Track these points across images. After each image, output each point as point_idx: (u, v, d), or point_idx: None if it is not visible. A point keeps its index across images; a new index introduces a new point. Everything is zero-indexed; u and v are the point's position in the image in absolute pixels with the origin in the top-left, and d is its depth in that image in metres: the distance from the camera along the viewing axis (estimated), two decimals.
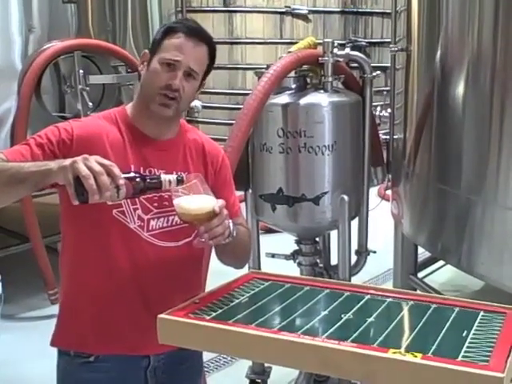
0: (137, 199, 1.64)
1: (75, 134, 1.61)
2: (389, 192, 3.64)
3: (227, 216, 1.58)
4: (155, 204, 1.67)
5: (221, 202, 1.56)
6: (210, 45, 1.69)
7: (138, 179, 1.49)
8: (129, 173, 1.50)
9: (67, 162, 1.41)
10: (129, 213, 1.64)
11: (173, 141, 1.74)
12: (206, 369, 3.29)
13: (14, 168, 1.46)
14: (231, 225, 1.61)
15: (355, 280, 3.01)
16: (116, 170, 1.42)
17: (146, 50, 1.70)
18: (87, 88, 4.01)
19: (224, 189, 1.79)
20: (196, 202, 1.55)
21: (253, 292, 1.71)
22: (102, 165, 1.40)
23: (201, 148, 1.78)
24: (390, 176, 3.56)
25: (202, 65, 1.68)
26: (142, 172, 1.56)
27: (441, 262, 3.95)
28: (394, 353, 1.31)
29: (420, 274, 3.71)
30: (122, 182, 1.42)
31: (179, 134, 1.76)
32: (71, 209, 1.63)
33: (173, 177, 1.52)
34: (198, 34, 1.66)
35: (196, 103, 4.78)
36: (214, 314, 1.54)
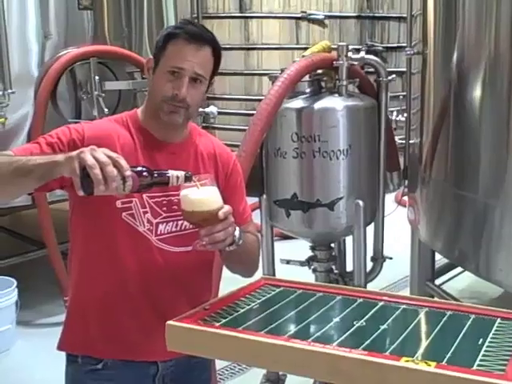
0: (146, 203, 1.63)
1: (86, 135, 1.61)
2: (405, 198, 3.60)
3: (233, 223, 1.55)
4: (164, 208, 1.65)
5: (227, 207, 1.54)
6: (214, 45, 1.67)
7: (144, 173, 1.46)
8: (136, 167, 1.48)
9: (74, 152, 1.40)
10: (138, 216, 1.63)
11: (183, 144, 1.72)
12: (220, 376, 3.27)
13: (22, 160, 1.45)
14: (237, 232, 1.58)
15: (371, 287, 2.97)
16: (123, 162, 1.40)
17: (151, 56, 1.69)
18: (103, 94, 4.03)
19: (234, 194, 1.76)
20: (202, 197, 1.52)
21: (264, 298, 1.68)
22: (108, 156, 1.39)
23: (212, 152, 1.76)
24: (406, 182, 3.52)
25: (207, 67, 1.65)
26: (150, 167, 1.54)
27: (459, 269, 3.89)
28: (407, 361, 1.28)
29: (438, 281, 3.66)
30: (128, 173, 1.40)
31: (190, 137, 1.74)
32: (80, 210, 1.63)
33: (181, 173, 1.50)
34: (200, 37, 1.64)
35: (212, 109, 4.77)
36: (224, 320, 1.51)
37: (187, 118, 1.69)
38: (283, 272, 2.79)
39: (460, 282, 4.11)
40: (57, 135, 1.60)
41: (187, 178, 1.51)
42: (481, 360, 1.30)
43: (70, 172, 1.40)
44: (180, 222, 1.66)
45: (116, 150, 1.59)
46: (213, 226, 1.51)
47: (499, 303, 2.82)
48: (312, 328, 1.50)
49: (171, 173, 1.50)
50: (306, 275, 2.88)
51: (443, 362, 1.28)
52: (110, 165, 1.37)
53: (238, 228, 1.60)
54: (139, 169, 1.47)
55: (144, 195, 1.62)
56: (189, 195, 1.52)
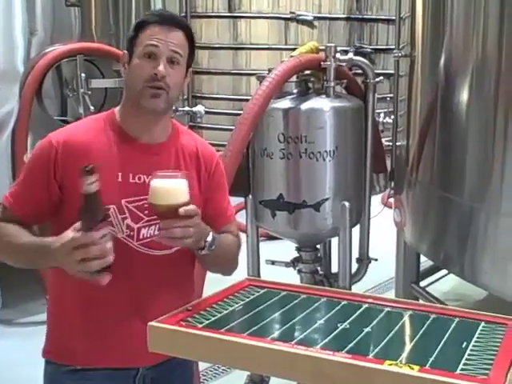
0: (125, 208, 1.59)
1: (56, 145, 1.58)
2: (391, 200, 3.60)
3: (199, 225, 1.52)
4: (146, 212, 1.61)
5: (191, 206, 1.50)
6: (186, 30, 1.63)
7: (90, 220, 1.44)
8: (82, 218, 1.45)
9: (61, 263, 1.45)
10: (116, 223, 1.59)
11: (164, 145, 1.67)
12: (203, 377, 3.25)
13: (24, 254, 1.57)
14: (210, 238, 1.57)
15: (356, 288, 2.97)
16: (84, 239, 1.40)
17: (125, 51, 1.64)
18: (89, 92, 4.00)
19: (217, 193, 1.74)
20: (163, 187, 1.49)
21: (247, 300, 1.67)
22: (78, 245, 1.40)
23: (194, 151, 1.72)
24: (392, 183, 3.52)
25: (182, 47, 1.61)
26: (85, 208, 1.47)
27: (444, 271, 3.90)
28: (390, 365, 1.27)
29: (423, 283, 3.66)
30: (97, 238, 1.41)
31: (171, 137, 1.70)
32: (58, 220, 1.61)
33: (85, 179, 1.43)
34: (171, 20, 1.61)
35: (199, 108, 4.76)
36: (207, 322, 1.49)
37: (168, 104, 1.63)
38: (268, 273, 2.78)
39: (445, 284, 4.12)
40: (34, 169, 1.61)
41: (86, 172, 1.43)
42: (464, 364, 1.29)
43: None
44: None
45: (91, 161, 1.56)
46: (170, 220, 1.48)
47: (484, 305, 2.83)
48: (296, 330, 1.49)
49: (85, 189, 1.43)
50: (291, 276, 2.87)
51: (427, 366, 1.27)
52: (89, 249, 1.40)
53: (211, 233, 1.58)
54: (86, 218, 1.44)
55: (123, 200, 1.59)
56: (151, 184, 1.50)
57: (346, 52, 2.94)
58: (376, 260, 3.08)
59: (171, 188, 1.50)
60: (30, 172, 1.62)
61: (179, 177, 1.52)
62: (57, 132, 1.65)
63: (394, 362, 1.28)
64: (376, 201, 3.67)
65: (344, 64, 2.85)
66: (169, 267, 1.64)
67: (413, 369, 1.25)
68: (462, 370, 1.27)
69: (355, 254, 3.00)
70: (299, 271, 2.98)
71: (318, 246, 3.03)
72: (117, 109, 1.69)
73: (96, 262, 1.41)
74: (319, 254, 3.01)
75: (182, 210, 1.47)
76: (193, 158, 1.71)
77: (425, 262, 3.70)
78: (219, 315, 1.54)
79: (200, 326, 1.47)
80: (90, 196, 1.43)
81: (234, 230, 1.78)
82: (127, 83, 1.65)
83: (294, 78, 2.80)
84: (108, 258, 1.43)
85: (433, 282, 3.90)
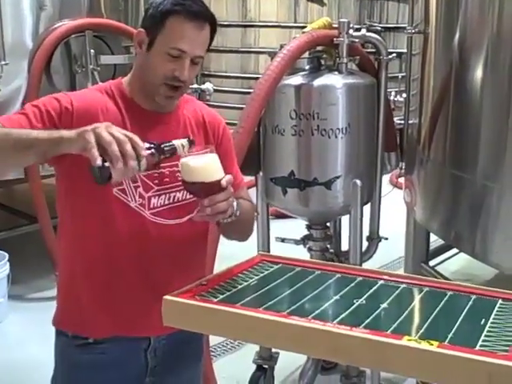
0: (138, 177, 1.58)
1: (75, 106, 1.55)
2: (401, 180, 3.58)
3: (232, 194, 1.53)
4: (156, 181, 1.61)
5: (229, 176, 1.51)
6: (212, 23, 1.61)
7: (154, 149, 1.43)
8: (144, 144, 1.42)
9: (88, 127, 1.34)
10: (130, 191, 1.58)
11: (172, 114, 1.67)
12: (212, 353, 3.26)
13: (22, 133, 1.39)
14: (235, 204, 1.56)
15: (366, 267, 2.95)
16: (139, 140, 1.36)
17: (142, 29, 1.59)
18: (98, 68, 3.98)
19: (226, 161, 1.71)
20: (204, 164, 1.49)
21: (262, 275, 1.66)
22: (124, 134, 1.35)
23: (201, 120, 1.72)
24: (402, 164, 3.49)
25: (205, 47, 1.61)
26: (154, 142, 1.47)
27: (452, 251, 3.89)
28: (409, 340, 1.26)
29: (431, 263, 3.65)
30: (144, 153, 1.37)
31: (178, 107, 1.70)
32: (71, 187, 1.59)
33: (184, 141, 1.48)
34: (201, 16, 1.57)
35: (208, 86, 4.74)
36: (222, 296, 1.49)
37: (181, 96, 1.66)
38: (278, 251, 2.76)
39: (453, 264, 4.11)
40: (45, 107, 1.52)
41: (191, 143, 1.48)
42: (483, 340, 1.28)
43: (81, 148, 1.33)
44: (172, 195, 1.63)
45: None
46: (215, 195, 1.47)
47: (492, 285, 2.82)
48: (311, 305, 1.48)
49: (176, 143, 1.47)
50: (300, 254, 2.86)
51: (446, 342, 1.26)
52: (127, 143, 1.33)
53: (235, 199, 1.58)
54: (148, 145, 1.42)
55: None
56: (190, 164, 1.49)
57: (358, 30, 2.89)
58: (386, 239, 3.07)
59: (211, 164, 1.50)
60: (36, 108, 1.52)
61: (210, 152, 1.52)
62: (72, 94, 1.60)
63: (412, 338, 1.27)
64: (384, 181, 3.66)
65: (357, 40, 2.81)
66: (180, 238, 1.64)
67: (432, 344, 1.24)
68: (481, 346, 1.26)
69: (365, 232, 2.98)
70: (309, 249, 2.97)
71: (328, 224, 3.01)
72: (125, 79, 1.67)
73: (116, 150, 1.31)
74: (329, 232, 3.00)
75: (224, 182, 1.47)
76: (200, 127, 1.71)
77: (433, 242, 3.69)
78: (234, 290, 1.54)
79: (215, 300, 1.47)
80: (170, 151, 1.46)
81: (246, 195, 1.78)
82: (144, 69, 1.60)
83: (306, 55, 2.76)
84: (121, 163, 1.31)
85: (441, 262, 3.90)
